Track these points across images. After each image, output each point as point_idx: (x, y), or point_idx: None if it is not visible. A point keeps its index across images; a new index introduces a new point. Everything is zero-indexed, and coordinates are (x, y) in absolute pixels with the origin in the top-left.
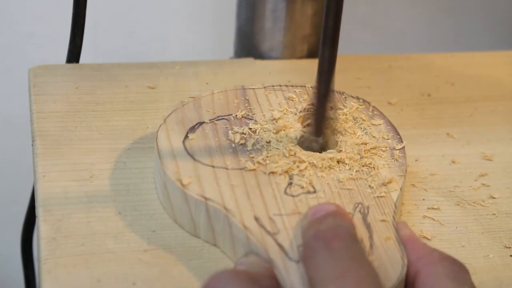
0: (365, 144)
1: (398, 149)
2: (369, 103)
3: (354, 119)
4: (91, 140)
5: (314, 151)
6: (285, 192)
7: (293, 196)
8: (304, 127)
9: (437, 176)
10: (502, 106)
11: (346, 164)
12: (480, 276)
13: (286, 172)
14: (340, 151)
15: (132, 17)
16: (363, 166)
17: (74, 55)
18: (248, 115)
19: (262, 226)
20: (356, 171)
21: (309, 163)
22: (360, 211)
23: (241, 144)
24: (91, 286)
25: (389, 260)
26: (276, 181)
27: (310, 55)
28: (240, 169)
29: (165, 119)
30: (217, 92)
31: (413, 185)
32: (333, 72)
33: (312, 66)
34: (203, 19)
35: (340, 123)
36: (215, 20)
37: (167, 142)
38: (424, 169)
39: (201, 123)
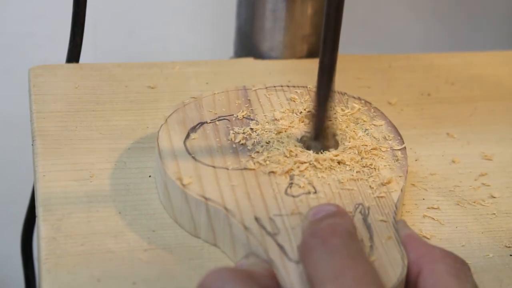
0: (366, 145)
1: (399, 150)
2: (370, 103)
3: (356, 120)
4: (91, 140)
5: (315, 152)
6: (286, 193)
7: (293, 196)
8: (305, 128)
9: (437, 176)
10: (502, 106)
11: (347, 165)
12: (480, 275)
13: (287, 172)
14: (341, 152)
15: (132, 17)
16: (363, 167)
17: (74, 55)
18: (249, 115)
19: (262, 226)
20: (356, 172)
21: (310, 163)
22: (360, 211)
23: (242, 144)
24: (91, 286)
25: (389, 261)
26: (276, 182)
27: (310, 55)
28: (241, 169)
29: (166, 119)
30: (218, 93)
31: (413, 184)
32: (333, 73)
33: (312, 66)
34: (203, 19)
35: (341, 124)
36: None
37: (168, 142)
38: (424, 169)
39: (202, 123)
